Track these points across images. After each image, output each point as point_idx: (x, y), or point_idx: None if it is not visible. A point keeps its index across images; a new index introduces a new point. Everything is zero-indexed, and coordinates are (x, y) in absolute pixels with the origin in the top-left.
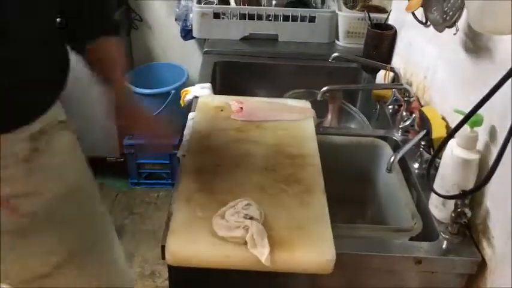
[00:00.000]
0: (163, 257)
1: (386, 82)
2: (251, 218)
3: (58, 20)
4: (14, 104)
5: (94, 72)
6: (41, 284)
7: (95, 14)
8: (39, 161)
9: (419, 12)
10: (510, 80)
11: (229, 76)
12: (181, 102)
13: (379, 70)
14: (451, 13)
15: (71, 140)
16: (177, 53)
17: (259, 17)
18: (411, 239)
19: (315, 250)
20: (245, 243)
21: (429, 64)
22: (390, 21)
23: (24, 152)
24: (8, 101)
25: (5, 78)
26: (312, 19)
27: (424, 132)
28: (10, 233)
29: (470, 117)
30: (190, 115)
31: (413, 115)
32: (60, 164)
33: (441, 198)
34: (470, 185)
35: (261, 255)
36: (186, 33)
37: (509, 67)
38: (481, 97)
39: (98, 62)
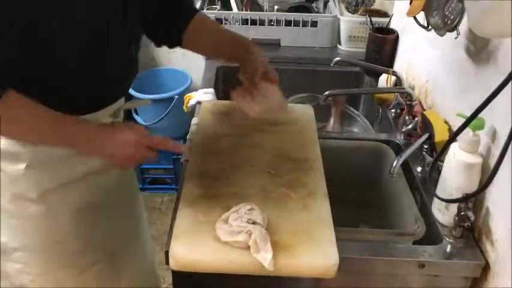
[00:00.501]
0: (167, 262)
1: (388, 86)
2: (254, 223)
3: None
4: (105, 90)
5: (200, 51)
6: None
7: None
8: None
9: (421, 17)
10: (511, 83)
11: (232, 81)
12: (184, 107)
13: (382, 74)
14: (451, 17)
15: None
16: (180, 58)
17: (262, 22)
18: (415, 242)
19: (318, 254)
20: (248, 248)
21: (431, 68)
22: (392, 26)
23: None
24: (101, 89)
25: (102, 71)
26: (314, 24)
27: (426, 135)
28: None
29: (471, 120)
30: (194, 120)
31: (416, 119)
32: None
33: (444, 202)
34: (472, 189)
35: (264, 259)
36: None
37: (509, 70)
38: (482, 100)
39: (204, 40)
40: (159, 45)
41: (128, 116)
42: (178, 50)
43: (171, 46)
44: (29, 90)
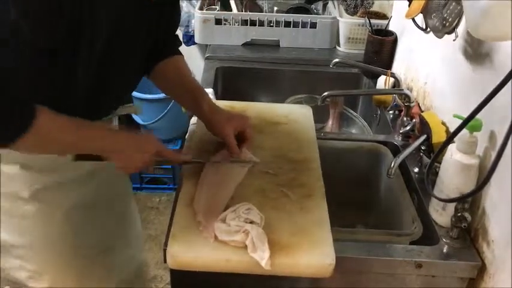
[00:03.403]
0: (165, 261)
1: (386, 87)
2: (251, 222)
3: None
4: (115, 100)
5: (162, 89)
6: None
7: (172, 34)
8: None
9: (419, 19)
10: (509, 84)
11: (231, 82)
12: (182, 108)
13: (380, 76)
14: (450, 19)
15: None
16: None
17: (261, 23)
18: (412, 243)
19: (314, 254)
20: (245, 247)
21: (429, 70)
22: (391, 27)
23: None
24: (112, 99)
25: (118, 82)
26: (313, 25)
27: (424, 137)
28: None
29: (468, 121)
30: (192, 120)
31: (414, 120)
32: None
33: (441, 203)
34: (469, 189)
35: (261, 259)
36: (188, 39)
37: (506, 72)
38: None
39: (168, 80)
40: None
41: (127, 115)
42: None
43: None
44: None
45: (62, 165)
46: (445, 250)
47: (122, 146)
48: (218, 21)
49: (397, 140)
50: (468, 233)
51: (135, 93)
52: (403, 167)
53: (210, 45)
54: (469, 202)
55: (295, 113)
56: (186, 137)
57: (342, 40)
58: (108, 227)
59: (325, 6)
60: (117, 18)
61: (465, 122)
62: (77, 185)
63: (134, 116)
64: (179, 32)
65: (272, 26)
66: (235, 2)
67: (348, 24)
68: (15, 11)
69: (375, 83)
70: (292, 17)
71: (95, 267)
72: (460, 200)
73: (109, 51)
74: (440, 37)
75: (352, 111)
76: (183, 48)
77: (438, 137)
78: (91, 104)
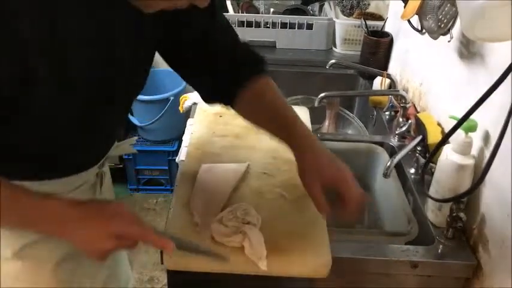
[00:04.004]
0: (162, 262)
1: (383, 88)
2: (248, 223)
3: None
4: (102, 144)
5: (252, 123)
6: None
7: (229, 49)
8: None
9: (415, 20)
10: (504, 85)
11: None
12: (180, 108)
13: (376, 77)
14: (445, 21)
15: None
16: None
17: (258, 24)
18: (407, 243)
19: (311, 255)
20: (242, 247)
21: (425, 71)
22: (386, 29)
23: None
24: (99, 144)
25: (102, 126)
26: (310, 26)
27: (420, 137)
28: None
29: (463, 122)
30: (189, 121)
31: (410, 121)
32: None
33: (437, 203)
34: (465, 190)
35: (258, 259)
36: None
37: (501, 73)
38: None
39: (257, 107)
40: (206, 100)
41: (126, 133)
42: None
43: (224, 102)
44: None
45: None
46: (440, 250)
47: (72, 227)
48: None
49: (393, 140)
50: (463, 233)
51: None
52: (399, 167)
53: None
54: (465, 202)
55: None
56: (183, 138)
57: (338, 41)
58: (99, 272)
59: (321, 7)
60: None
61: (459, 123)
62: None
63: (131, 117)
64: None
65: (268, 27)
66: (231, 3)
67: (344, 25)
68: None
69: (371, 84)
70: (288, 18)
71: None
72: (455, 200)
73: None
74: (435, 38)
75: (348, 112)
76: None
77: (434, 137)
78: (86, 147)
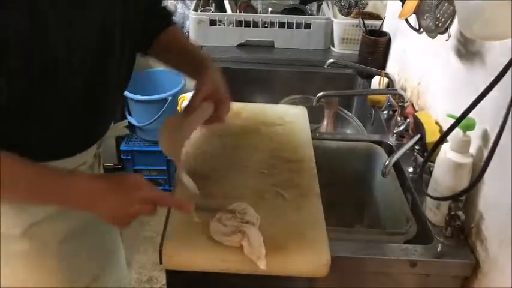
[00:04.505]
0: (161, 262)
1: (381, 88)
2: (247, 223)
3: None
4: (102, 123)
5: (165, 63)
6: None
7: (155, 5)
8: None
9: (413, 19)
10: (501, 83)
11: (226, 82)
12: (178, 108)
13: (374, 76)
14: (443, 20)
15: None
16: None
17: (256, 24)
18: (406, 242)
19: (310, 254)
20: (241, 247)
21: (423, 70)
22: (384, 28)
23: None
24: (99, 122)
25: (104, 101)
26: (308, 26)
27: (418, 136)
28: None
29: (461, 120)
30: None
31: (408, 120)
32: None
33: (436, 202)
34: (463, 188)
35: (257, 259)
36: None
37: (499, 72)
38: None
39: (171, 52)
40: None
41: (122, 117)
42: None
43: (141, 51)
44: (24, 130)
45: None
46: (439, 249)
47: (100, 199)
48: (213, 22)
49: (392, 140)
50: (462, 231)
51: (129, 95)
52: (397, 166)
53: (204, 46)
54: (463, 201)
55: (290, 114)
56: None
57: (336, 41)
58: (96, 255)
59: (319, 7)
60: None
61: (457, 122)
62: (65, 216)
63: (129, 117)
64: None
65: (266, 27)
66: (229, 3)
67: (342, 24)
68: None
69: (369, 83)
70: (286, 18)
71: None
72: (454, 198)
73: (93, 72)
74: (433, 37)
75: (346, 112)
76: None
77: (432, 136)
78: (87, 127)
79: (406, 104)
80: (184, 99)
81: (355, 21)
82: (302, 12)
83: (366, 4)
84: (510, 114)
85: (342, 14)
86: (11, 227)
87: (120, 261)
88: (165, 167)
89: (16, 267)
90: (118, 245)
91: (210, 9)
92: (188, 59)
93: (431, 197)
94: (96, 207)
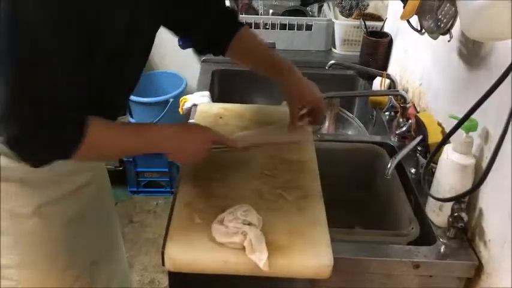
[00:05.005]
0: (163, 263)
1: (382, 89)
2: (249, 224)
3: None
4: (126, 96)
5: (244, 65)
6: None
7: (218, 6)
8: None
9: (414, 20)
10: (504, 84)
11: (228, 84)
12: (180, 110)
13: (376, 77)
14: (444, 20)
15: None
16: (175, 61)
17: (257, 26)
18: (409, 243)
19: (312, 255)
20: (243, 248)
21: (424, 71)
22: (386, 29)
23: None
24: (125, 96)
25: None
26: (309, 27)
27: (420, 137)
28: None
29: (464, 121)
30: (190, 122)
31: (410, 121)
32: None
33: (438, 203)
34: (466, 189)
35: (259, 260)
36: (184, 42)
37: (501, 72)
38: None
39: (245, 54)
40: (200, 52)
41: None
42: (173, 53)
43: (215, 53)
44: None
45: (60, 178)
46: (442, 250)
47: (178, 141)
48: None
49: (393, 141)
50: (465, 232)
51: (131, 97)
52: (399, 167)
53: None
54: (466, 202)
55: None
56: None
57: (337, 42)
58: (96, 239)
59: (320, 8)
60: (131, 18)
61: (460, 123)
62: (71, 198)
63: (130, 119)
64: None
65: (268, 29)
66: (230, 4)
67: (343, 26)
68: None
69: (371, 85)
70: (287, 20)
71: (83, 280)
72: (456, 199)
73: (124, 50)
74: (435, 38)
75: (348, 113)
76: (179, 51)
77: (434, 137)
78: (108, 104)
79: (407, 105)
80: (186, 101)
81: (357, 22)
82: (303, 13)
83: (367, 5)
84: None
85: (343, 16)
86: (22, 206)
87: (119, 251)
88: (166, 169)
89: (25, 245)
90: (117, 236)
91: None
92: (268, 63)
93: (434, 198)
94: (182, 142)
